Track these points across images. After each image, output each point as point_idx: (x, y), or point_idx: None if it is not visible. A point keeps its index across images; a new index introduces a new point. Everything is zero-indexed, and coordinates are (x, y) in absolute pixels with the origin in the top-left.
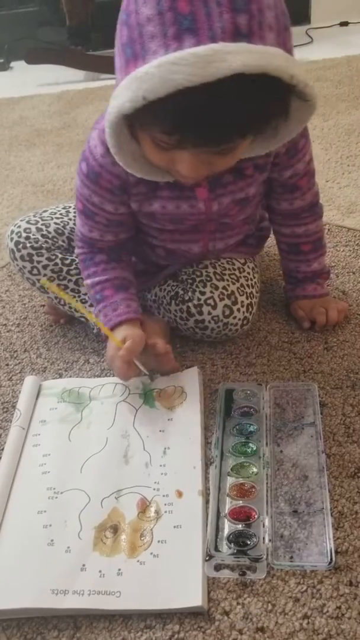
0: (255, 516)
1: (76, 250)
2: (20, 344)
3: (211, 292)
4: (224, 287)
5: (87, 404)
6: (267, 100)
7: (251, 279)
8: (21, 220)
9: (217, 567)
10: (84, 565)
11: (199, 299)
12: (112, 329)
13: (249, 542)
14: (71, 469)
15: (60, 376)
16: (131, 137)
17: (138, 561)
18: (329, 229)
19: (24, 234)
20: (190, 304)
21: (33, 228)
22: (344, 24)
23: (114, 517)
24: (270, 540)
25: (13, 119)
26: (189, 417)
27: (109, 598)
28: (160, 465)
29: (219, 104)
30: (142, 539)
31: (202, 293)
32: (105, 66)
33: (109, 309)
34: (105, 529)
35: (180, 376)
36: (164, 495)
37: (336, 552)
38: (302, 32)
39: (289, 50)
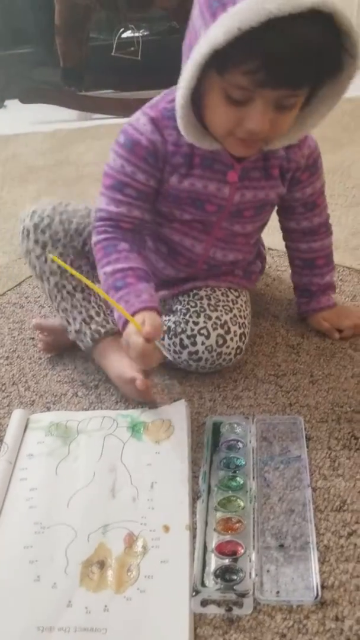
0: (242, 551)
1: (96, 237)
2: (9, 377)
3: (204, 322)
4: (217, 317)
5: (74, 437)
6: (334, 37)
7: (244, 310)
8: (47, 204)
9: (204, 603)
10: (69, 601)
11: (192, 330)
12: (134, 314)
13: (235, 577)
14: (58, 503)
15: (48, 409)
16: (192, 112)
17: (125, 597)
18: None
19: (46, 220)
20: (183, 336)
21: (57, 218)
22: None
23: (100, 552)
24: (256, 575)
25: (6, 156)
26: (176, 450)
27: (95, 635)
28: (148, 500)
29: (301, 36)
30: (128, 573)
31: (196, 323)
32: (98, 106)
33: (132, 295)
34: (92, 564)
35: (167, 409)
36: (151, 530)
37: (322, 587)
38: None
39: None
